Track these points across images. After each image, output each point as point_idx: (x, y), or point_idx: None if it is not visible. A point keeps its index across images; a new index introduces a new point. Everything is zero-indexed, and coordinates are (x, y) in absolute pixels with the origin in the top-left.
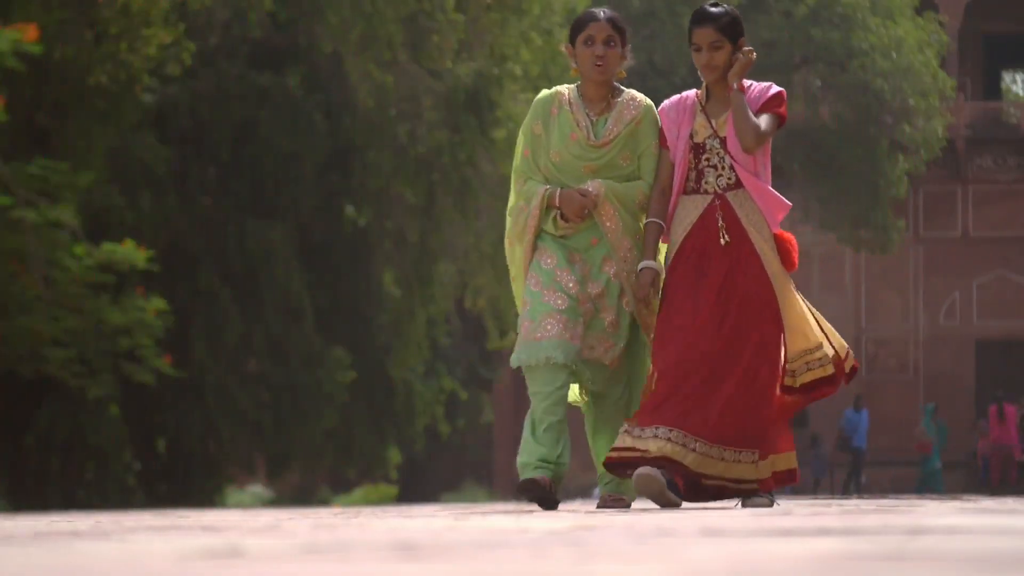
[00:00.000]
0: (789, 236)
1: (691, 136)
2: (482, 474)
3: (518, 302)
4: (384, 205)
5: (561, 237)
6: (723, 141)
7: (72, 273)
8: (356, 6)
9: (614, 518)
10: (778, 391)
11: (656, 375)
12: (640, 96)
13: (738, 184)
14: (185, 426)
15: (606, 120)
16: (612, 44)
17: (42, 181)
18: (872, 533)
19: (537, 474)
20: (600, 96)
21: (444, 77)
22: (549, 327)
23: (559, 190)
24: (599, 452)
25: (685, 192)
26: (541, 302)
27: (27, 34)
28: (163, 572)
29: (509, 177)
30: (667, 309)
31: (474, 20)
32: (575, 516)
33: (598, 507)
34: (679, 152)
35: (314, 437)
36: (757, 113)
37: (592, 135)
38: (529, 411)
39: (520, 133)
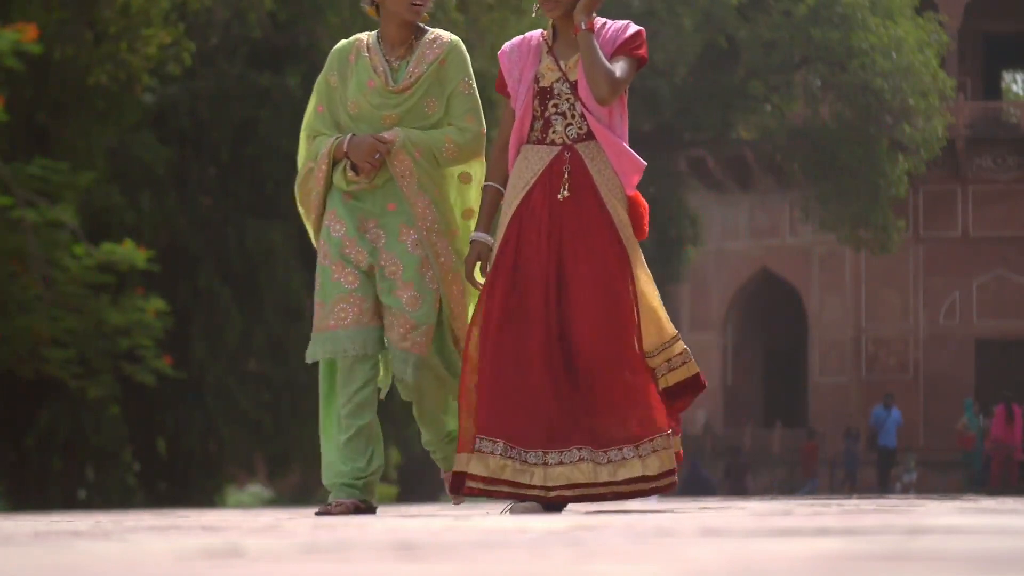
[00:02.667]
0: (642, 200)
1: (536, 80)
2: None
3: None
4: None
5: (353, 199)
6: (573, 86)
7: (72, 273)
8: (356, 6)
9: (614, 518)
10: (636, 377)
11: (483, 362)
12: (446, 34)
13: (590, 135)
14: (185, 426)
15: (407, 64)
16: None
17: (42, 181)
18: (872, 533)
19: (343, 496)
20: (402, 39)
21: None
22: (342, 313)
23: (349, 135)
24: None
25: (529, 142)
26: (331, 280)
27: (27, 34)
28: (163, 572)
29: None
30: (499, 278)
31: (474, 20)
32: (575, 516)
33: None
34: (522, 98)
35: (314, 437)
36: (612, 56)
37: (391, 80)
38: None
39: (314, 91)
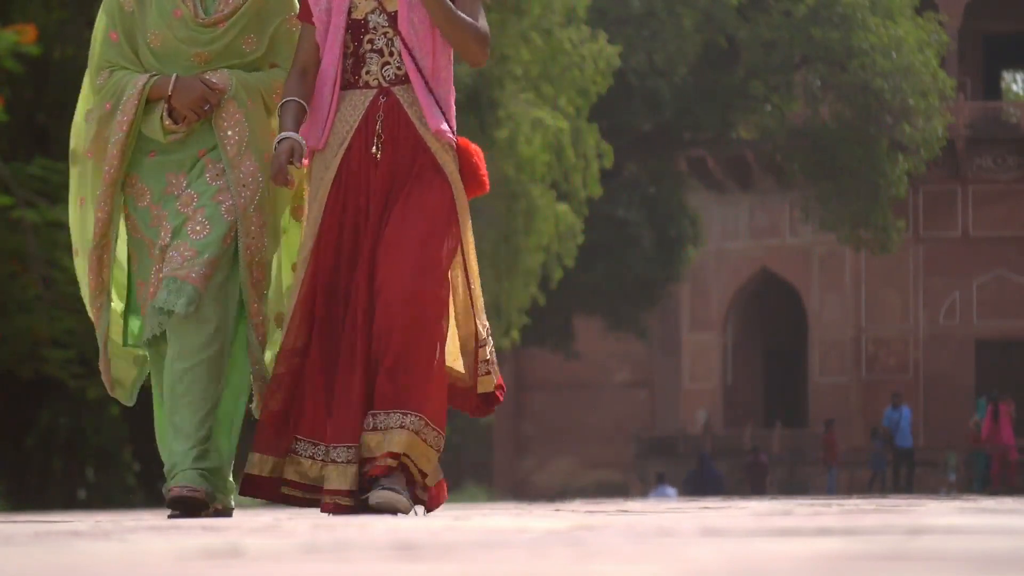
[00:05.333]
0: (476, 148)
1: (349, 10)
2: (482, 474)
3: (80, 271)
4: None
5: (159, 153)
6: (392, 17)
7: (72, 273)
8: None
9: (614, 518)
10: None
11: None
12: None
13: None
14: None
15: None
16: None
17: (42, 181)
18: (872, 533)
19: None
20: None
21: None
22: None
23: (174, 76)
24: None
25: (341, 87)
26: (148, 257)
27: (26, 36)
28: (163, 572)
29: (510, 177)
30: (324, 255)
31: None
32: (575, 516)
33: (170, 513)
34: (331, 31)
35: None
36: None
37: (201, 11)
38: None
39: (101, 13)
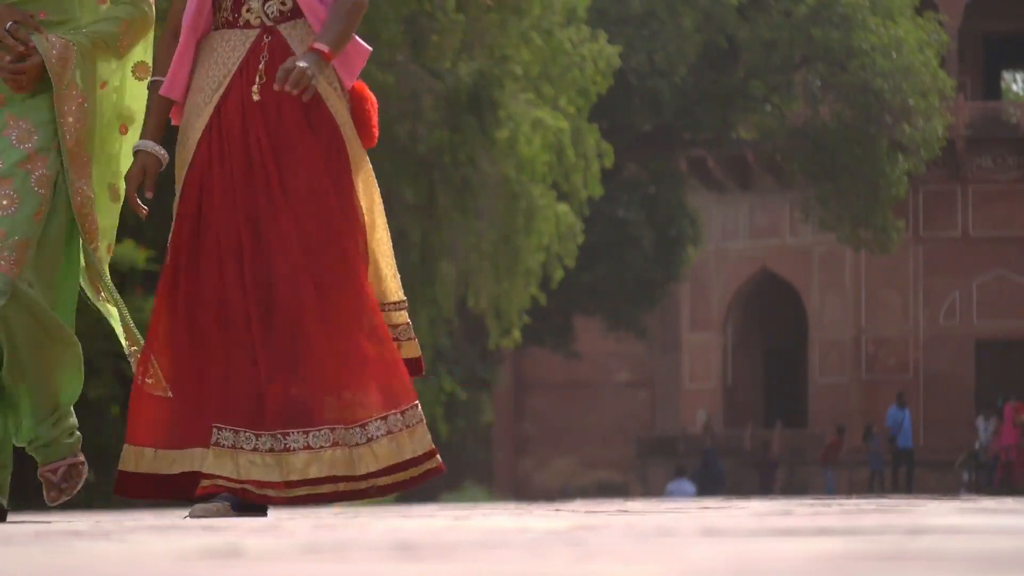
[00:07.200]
0: (369, 94)
1: None
2: (482, 474)
3: None
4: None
5: None
6: None
7: None
8: None
9: (614, 518)
10: (376, 339)
11: (163, 321)
12: None
13: (297, 11)
14: None
15: None
16: None
17: None
18: (872, 533)
19: None
20: None
21: (444, 77)
22: None
23: None
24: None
25: (216, 27)
26: None
27: None
28: (163, 572)
29: (510, 177)
30: (187, 212)
31: (474, 20)
32: (575, 516)
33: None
34: None
35: None
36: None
37: None
38: None
39: None
